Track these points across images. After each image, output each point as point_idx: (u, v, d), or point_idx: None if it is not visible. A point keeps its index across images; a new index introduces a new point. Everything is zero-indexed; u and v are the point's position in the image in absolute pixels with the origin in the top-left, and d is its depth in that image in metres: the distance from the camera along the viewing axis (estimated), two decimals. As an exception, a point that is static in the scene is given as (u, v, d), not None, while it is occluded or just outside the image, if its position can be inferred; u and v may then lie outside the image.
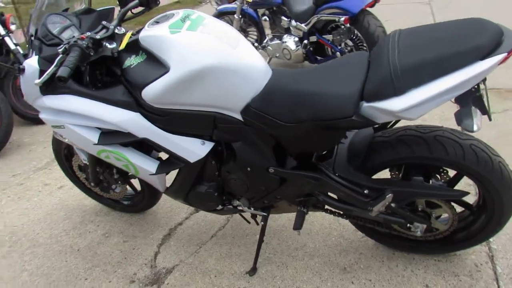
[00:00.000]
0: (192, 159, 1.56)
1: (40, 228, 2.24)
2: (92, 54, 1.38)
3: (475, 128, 1.25)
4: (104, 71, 1.56)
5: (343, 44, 3.75)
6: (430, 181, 1.54)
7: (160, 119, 1.50)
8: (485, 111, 1.30)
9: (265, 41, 4.45)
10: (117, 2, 1.63)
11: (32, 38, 1.56)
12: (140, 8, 1.70)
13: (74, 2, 1.83)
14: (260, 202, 1.69)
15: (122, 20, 1.62)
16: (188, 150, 1.54)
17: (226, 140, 1.55)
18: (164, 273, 1.86)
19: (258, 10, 4.48)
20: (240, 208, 1.77)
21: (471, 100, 1.29)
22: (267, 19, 4.35)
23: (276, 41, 4.24)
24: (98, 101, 1.52)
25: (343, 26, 3.57)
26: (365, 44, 3.61)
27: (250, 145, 1.52)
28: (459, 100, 1.30)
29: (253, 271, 1.81)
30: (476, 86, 1.26)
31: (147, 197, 2.11)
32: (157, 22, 1.46)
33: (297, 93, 1.37)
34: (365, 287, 1.68)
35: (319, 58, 4.07)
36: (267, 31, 4.59)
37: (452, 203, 1.59)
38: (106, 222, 2.23)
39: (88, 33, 1.42)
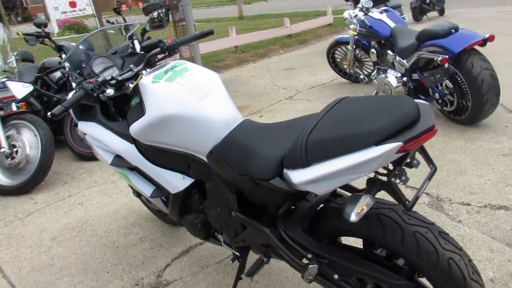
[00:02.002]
0: (172, 190, 1.76)
1: (104, 222, 2.75)
2: (95, 94, 1.72)
3: (351, 218, 1.14)
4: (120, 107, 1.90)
5: (443, 86, 3.40)
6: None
7: (147, 152, 1.76)
8: (398, 199, 1.17)
9: (372, 74, 4.33)
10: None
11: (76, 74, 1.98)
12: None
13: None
14: (233, 242, 1.78)
15: (147, 65, 1.93)
16: (169, 182, 1.75)
17: (200, 178, 1.71)
18: (163, 285, 2.10)
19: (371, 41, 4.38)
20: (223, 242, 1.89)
21: (374, 186, 1.19)
22: (374, 51, 4.22)
23: (381, 75, 4.08)
24: (111, 131, 1.86)
25: (440, 66, 3.25)
26: (465, 88, 3.21)
27: (217, 187, 1.64)
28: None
29: (227, 304, 1.90)
30: (389, 171, 1.16)
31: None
32: (154, 70, 1.72)
33: (243, 147, 1.45)
34: None
35: (422, 97, 3.75)
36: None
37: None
38: (148, 228, 2.61)
39: (100, 77, 1.75)
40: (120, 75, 1.82)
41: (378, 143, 1.06)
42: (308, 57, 7.46)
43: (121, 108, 1.97)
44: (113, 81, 1.79)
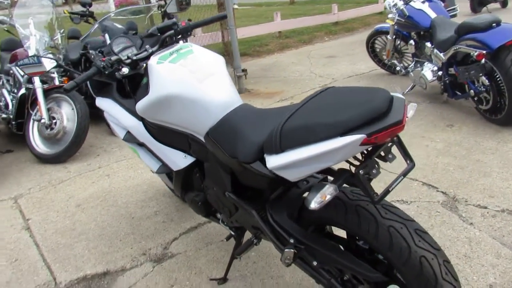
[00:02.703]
0: (174, 168, 1.85)
1: (125, 194, 2.92)
2: (107, 72, 1.82)
3: (311, 205, 1.14)
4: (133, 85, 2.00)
5: (479, 82, 3.23)
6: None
7: (153, 130, 1.84)
8: (366, 192, 1.16)
9: (410, 66, 4.19)
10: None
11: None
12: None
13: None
14: (229, 222, 1.85)
15: (161, 46, 2.01)
16: (171, 160, 1.84)
17: (199, 158, 1.78)
18: (168, 257, 2.22)
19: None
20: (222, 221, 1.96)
21: (342, 176, 1.19)
22: (413, 43, 4.06)
23: (418, 68, 3.94)
24: (123, 107, 1.97)
25: (476, 62, 3.09)
26: (503, 86, 3.04)
27: (214, 167, 1.71)
28: None
29: (222, 280, 1.98)
30: (360, 163, 1.17)
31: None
32: (162, 51, 1.79)
33: (234, 130, 1.49)
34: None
35: (458, 93, 3.59)
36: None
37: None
38: (163, 203, 2.73)
39: (113, 56, 1.85)
40: (135, 55, 1.91)
41: (342, 134, 1.07)
42: (352, 45, 7.29)
43: (136, 86, 2.07)
44: (128, 61, 1.88)
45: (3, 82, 4.17)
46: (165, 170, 1.98)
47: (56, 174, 3.37)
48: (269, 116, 1.47)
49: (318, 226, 1.56)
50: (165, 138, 1.83)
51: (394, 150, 1.23)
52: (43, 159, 3.60)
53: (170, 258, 2.20)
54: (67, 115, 3.61)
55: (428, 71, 3.75)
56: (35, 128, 3.71)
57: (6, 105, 4.02)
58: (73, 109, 3.56)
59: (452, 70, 3.51)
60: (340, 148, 1.07)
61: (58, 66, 3.54)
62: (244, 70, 5.13)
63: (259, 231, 1.70)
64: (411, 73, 4.06)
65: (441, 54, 3.52)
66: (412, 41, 4.07)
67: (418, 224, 1.28)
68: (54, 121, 3.60)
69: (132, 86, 2.04)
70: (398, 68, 4.39)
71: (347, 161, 1.24)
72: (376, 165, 1.22)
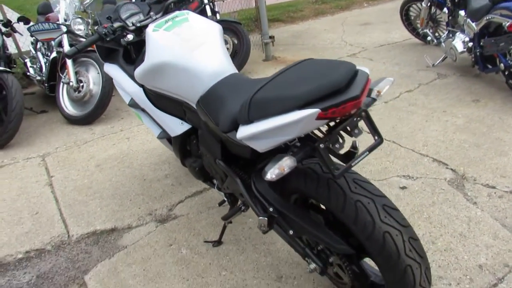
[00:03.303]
0: (172, 134, 1.91)
1: (141, 157, 3.05)
2: (108, 39, 1.87)
3: (267, 176, 1.16)
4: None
5: (510, 55, 3.02)
6: None
7: (151, 96, 1.91)
8: (326, 166, 1.17)
9: (442, 36, 3.97)
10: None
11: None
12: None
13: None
14: (222, 188, 1.91)
15: (165, 12, 2.04)
16: (169, 126, 1.91)
17: (194, 125, 1.83)
18: (171, 218, 2.33)
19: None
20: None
21: (302, 149, 1.19)
22: (446, 11, 3.83)
23: (450, 38, 3.73)
24: (127, 74, 2.04)
25: (508, 33, 2.89)
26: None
27: (206, 135, 1.75)
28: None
29: (216, 243, 2.07)
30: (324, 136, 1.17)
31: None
32: (159, 19, 1.81)
33: (220, 99, 1.52)
34: (275, 300, 1.71)
35: (489, 67, 3.39)
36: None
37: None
38: (175, 167, 2.84)
39: (115, 23, 1.89)
40: (140, 21, 1.96)
41: (300, 107, 1.07)
42: (391, 12, 6.92)
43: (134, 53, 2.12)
44: (132, 27, 1.93)
45: (39, 46, 4.37)
46: (165, 135, 2.05)
47: (81, 135, 3.56)
48: (252, 86, 1.48)
49: (301, 197, 1.58)
50: (163, 105, 1.89)
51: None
52: (71, 120, 3.81)
53: (173, 219, 2.31)
54: (93, 79, 3.76)
55: (459, 42, 3.54)
56: (65, 90, 3.90)
57: (41, 68, 4.23)
58: (98, 73, 3.70)
59: (484, 42, 3.30)
60: (297, 122, 1.07)
61: (68, 32, 3.66)
62: (271, 37, 5.05)
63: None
64: (443, 43, 3.85)
65: (473, 24, 3.31)
66: (445, 9, 3.83)
67: (388, 200, 1.28)
68: (81, 84, 3.77)
69: (138, 53, 2.09)
70: (429, 38, 4.17)
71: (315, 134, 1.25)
72: (340, 140, 1.21)
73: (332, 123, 1.22)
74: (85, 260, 2.10)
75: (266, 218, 1.44)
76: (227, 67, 1.68)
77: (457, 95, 3.38)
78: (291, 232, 1.48)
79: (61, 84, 3.90)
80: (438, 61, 3.99)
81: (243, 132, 1.23)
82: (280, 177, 1.23)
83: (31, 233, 2.33)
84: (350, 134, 1.21)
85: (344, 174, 1.29)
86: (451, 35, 3.77)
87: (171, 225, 2.26)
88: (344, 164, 1.24)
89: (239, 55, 4.48)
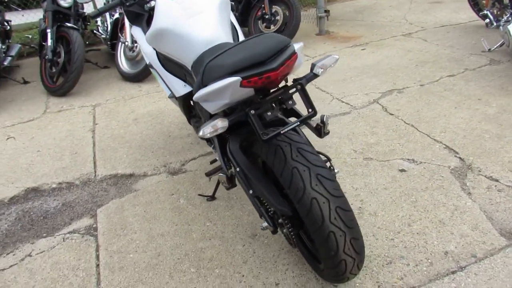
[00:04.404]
0: (177, 94, 2.12)
1: (172, 116, 3.32)
2: (127, 4, 2.09)
3: (199, 133, 1.29)
4: None
5: None
6: None
7: (161, 58, 2.11)
8: (256, 130, 1.27)
9: (502, 20, 3.69)
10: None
11: None
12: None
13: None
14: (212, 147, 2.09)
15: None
16: (174, 87, 2.11)
17: (192, 87, 2.01)
18: (181, 172, 2.58)
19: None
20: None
21: (235, 113, 1.31)
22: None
23: (507, 22, 3.46)
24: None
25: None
26: None
27: (199, 97, 1.93)
28: None
29: (210, 198, 2.27)
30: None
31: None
32: None
33: (203, 64, 1.68)
34: (253, 260, 1.89)
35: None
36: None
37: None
38: (198, 127, 3.07)
39: None
40: None
41: (228, 75, 1.19)
42: (469, -10, 6.40)
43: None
44: None
45: (108, 6, 4.79)
46: (174, 95, 2.26)
47: (130, 91, 3.93)
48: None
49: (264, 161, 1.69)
50: (169, 67, 2.08)
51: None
52: (125, 77, 4.20)
53: (182, 173, 2.56)
54: (145, 40, 4.08)
55: (514, 26, 3.27)
56: (122, 49, 4.29)
57: (107, 28, 4.66)
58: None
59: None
60: (224, 87, 1.20)
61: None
62: (326, 11, 5.00)
63: None
64: (501, 27, 3.56)
65: (532, 7, 3.03)
66: (510, -11, 3.52)
67: (326, 171, 1.36)
68: (135, 44, 4.11)
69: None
70: (487, 20, 3.86)
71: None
72: (273, 109, 1.31)
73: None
74: (103, 196, 2.43)
75: (224, 175, 1.60)
76: (219, 36, 1.81)
77: (501, 83, 3.16)
78: (251, 191, 1.62)
79: (120, 43, 4.28)
80: (495, 46, 3.71)
81: (197, 94, 1.38)
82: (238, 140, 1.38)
83: (67, 169, 2.73)
84: (284, 104, 1.31)
85: (290, 142, 1.40)
86: (510, 18, 3.48)
87: (179, 177, 2.51)
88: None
89: (288, 27, 4.53)
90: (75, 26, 4.02)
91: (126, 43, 4.11)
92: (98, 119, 3.42)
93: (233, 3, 5.02)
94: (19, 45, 4.80)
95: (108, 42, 4.54)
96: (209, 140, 2.23)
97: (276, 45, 1.21)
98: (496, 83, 3.17)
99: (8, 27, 4.80)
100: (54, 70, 4.02)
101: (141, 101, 3.68)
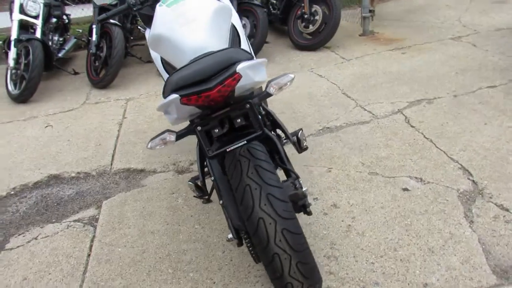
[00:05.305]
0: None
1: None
2: (135, 8, 2.16)
3: (148, 145, 1.31)
4: None
5: None
6: None
7: (163, 61, 2.18)
8: (201, 146, 1.27)
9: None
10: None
11: None
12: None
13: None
14: None
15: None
16: None
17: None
18: (187, 171, 2.65)
19: None
20: None
21: (187, 128, 1.31)
22: None
23: None
24: None
25: None
26: None
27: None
28: None
29: (206, 200, 2.30)
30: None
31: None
32: None
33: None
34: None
35: None
36: None
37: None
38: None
39: None
40: None
41: (173, 91, 1.21)
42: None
43: None
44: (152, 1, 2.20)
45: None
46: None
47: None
48: None
49: None
50: (169, 72, 2.14)
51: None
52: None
53: (188, 173, 2.63)
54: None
55: None
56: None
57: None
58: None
59: None
60: (167, 103, 1.22)
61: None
62: (371, 11, 4.80)
63: None
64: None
65: None
66: None
67: (279, 191, 1.34)
68: None
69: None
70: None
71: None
72: (220, 126, 1.31)
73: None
74: (112, 189, 2.57)
75: (192, 183, 1.62)
76: (209, 44, 1.82)
77: (546, 100, 2.85)
78: (221, 202, 1.63)
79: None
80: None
81: (157, 107, 1.42)
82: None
83: (88, 159, 2.92)
84: (232, 122, 1.30)
85: (250, 158, 1.39)
86: None
87: (184, 177, 2.58)
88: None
89: (327, 27, 4.42)
90: (118, 23, 4.23)
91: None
92: (128, 113, 3.59)
93: (274, 1, 5.00)
94: (75, 39, 5.16)
95: (151, 38, 4.71)
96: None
97: (218, 64, 1.21)
98: (540, 99, 2.87)
99: (67, 21, 5.17)
100: (97, 63, 4.28)
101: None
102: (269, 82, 1.34)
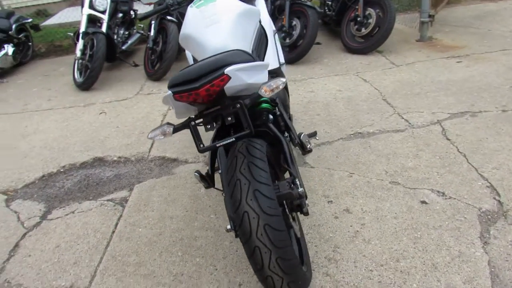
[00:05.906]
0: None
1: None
2: (172, 8, 2.32)
3: (148, 136, 1.41)
4: None
5: None
6: None
7: (194, 58, 2.31)
8: (194, 141, 1.36)
9: None
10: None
11: None
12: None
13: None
14: None
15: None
16: None
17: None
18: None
19: None
20: None
21: (182, 123, 1.40)
22: None
23: None
24: None
25: None
26: None
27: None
28: None
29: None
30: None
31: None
32: None
33: None
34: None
35: None
36: None
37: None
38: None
39: None
40: None
41: (170, 87, 1.32)
42: None
43: None
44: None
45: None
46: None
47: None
48: None
49: None
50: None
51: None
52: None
53: (189, 164, 2.75)
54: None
55: None
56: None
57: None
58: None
59: None
60: (165, 98, 1.33)
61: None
62: (431, 16, 4.61)
63: None
64: None
65: None
66: None
67: (267, 189, 1.39)
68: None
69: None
70: None
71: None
72: (213, 122, 1.39)
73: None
74: (146, 174, 2.77)
75: (198, 174, 1.73)
76: (228, 44, 1.91)
77: None
78: (222, 194, 1.73)
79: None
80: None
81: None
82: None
83: (130, 146, 3.16)
84: (223, 120, 1.38)
85: (245, 155, 1.46)
86: None
87: (211, 169, 2.71)
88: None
89: (379, 31, 4.33)
90: (174, 20, 4.47)
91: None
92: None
93: (330, 2, 4.98)
94: (139, 34, 5.54)
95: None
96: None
97: (208, 66, 1.30)
98: None
99: (133, 16, 5.56)
100: (153, 57, 4.57)
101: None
102: (262, 85, 1.41)
